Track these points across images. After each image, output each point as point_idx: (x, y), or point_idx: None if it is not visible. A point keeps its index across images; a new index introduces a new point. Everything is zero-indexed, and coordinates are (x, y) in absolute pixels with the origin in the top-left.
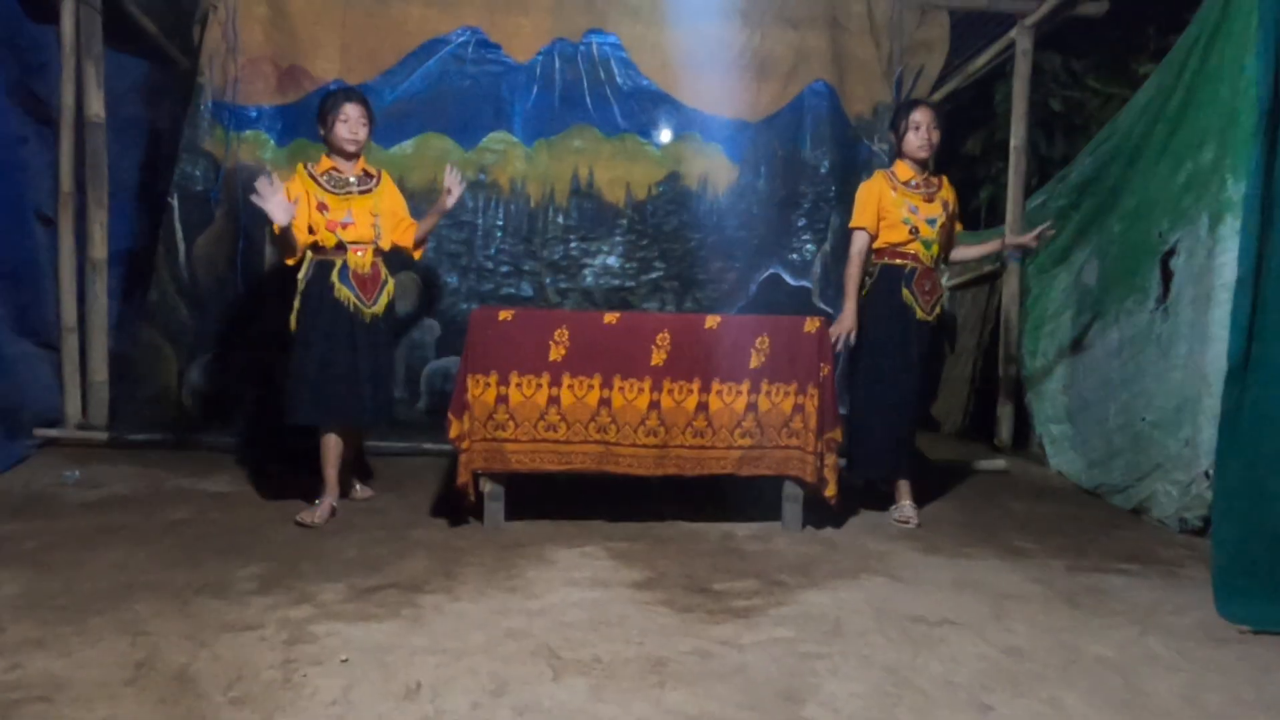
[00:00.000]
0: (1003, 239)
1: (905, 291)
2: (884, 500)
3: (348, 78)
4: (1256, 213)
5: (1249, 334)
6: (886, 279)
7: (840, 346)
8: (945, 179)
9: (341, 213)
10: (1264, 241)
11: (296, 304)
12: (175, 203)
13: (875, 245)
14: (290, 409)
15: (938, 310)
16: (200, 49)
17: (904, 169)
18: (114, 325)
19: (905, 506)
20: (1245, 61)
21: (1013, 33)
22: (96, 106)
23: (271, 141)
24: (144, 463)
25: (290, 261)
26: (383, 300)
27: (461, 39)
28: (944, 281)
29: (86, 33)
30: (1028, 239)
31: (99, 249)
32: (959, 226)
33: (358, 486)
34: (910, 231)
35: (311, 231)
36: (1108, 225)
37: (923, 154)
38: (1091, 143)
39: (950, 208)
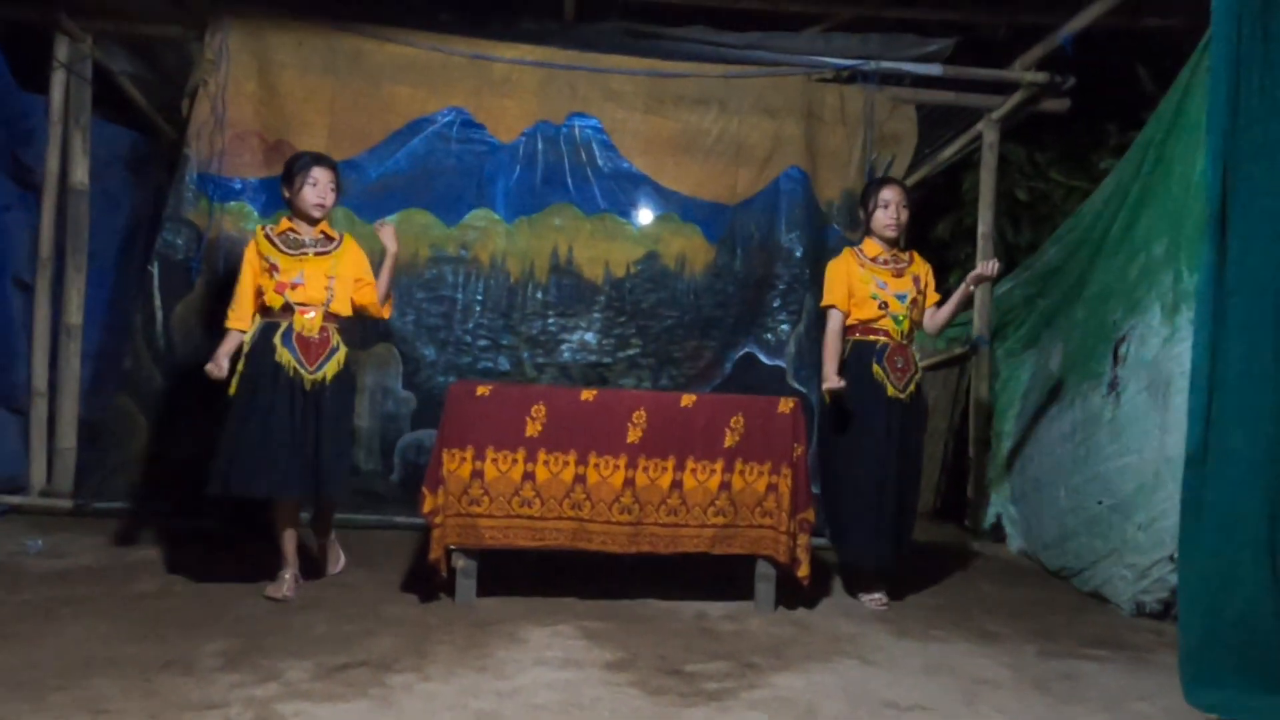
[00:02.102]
0: (967, 283)
1: (876, 368)
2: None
3: (334, 153)
4: (1209, 306)
5: (1206, 422)
6: (858, 356)
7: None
8: (916, 254)
9: (293, 273)
10: (1217, 334)
11: (240, 367)
12: (155, 270)
13: (847, 322)
14: (212, 477)
15: (912, 388)
16: (189, 121)
17: (871, 245)
18: (87, 391)
19: (878, 593)
20: (1195, 162)
21: (980, 125)
22: (81, 174)
23: (255, 213)
24: (109, 533)
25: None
26: (329, 368)
27: (447, 119)
28: (919, 360)
29: (75, 103)
30: (985, 269)
31: (74, 315)
32: (935, 298)
33: (328, 566)
34: (880, 307)
35: (262, 294)
36: (1072, 312)
37: (890, 232)
38: (1056, 233)
39: (922, 282)
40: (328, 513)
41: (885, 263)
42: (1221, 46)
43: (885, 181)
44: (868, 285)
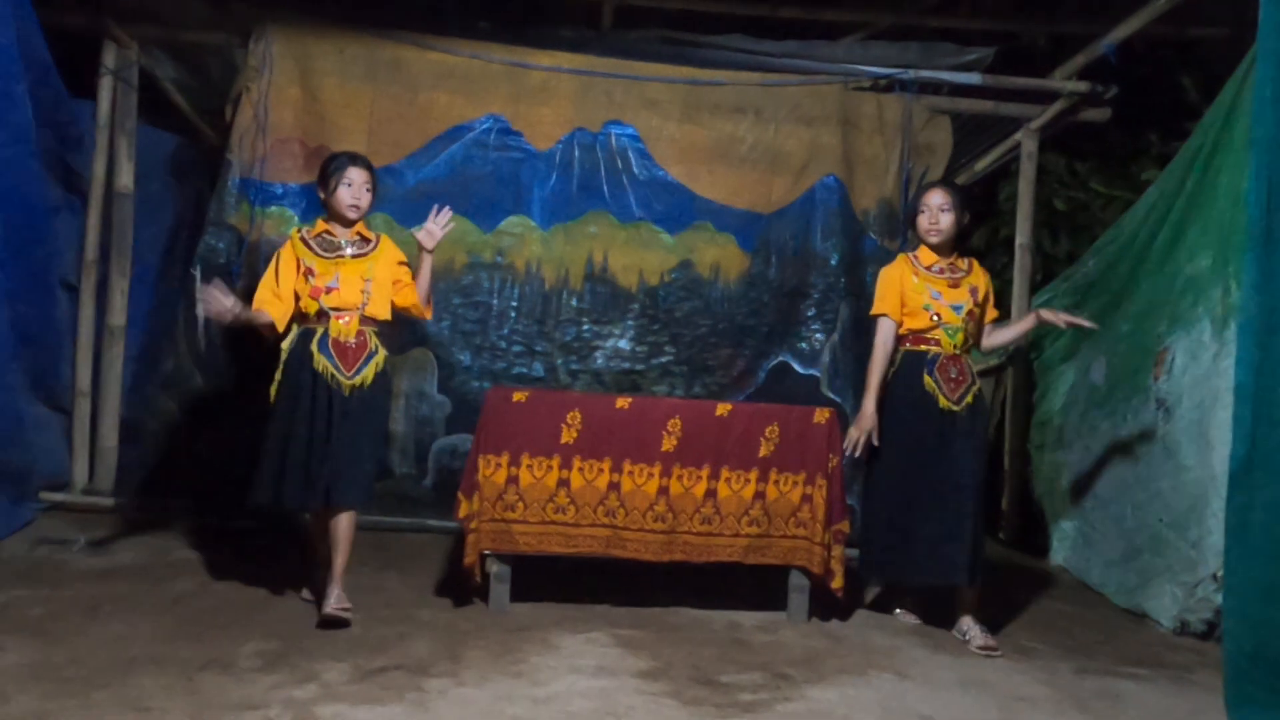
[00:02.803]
0: (1037, 313)
1: (927, 379)
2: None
3: (374, 159)
4: (1254, 322)
5: (1251, 439)
6: (908, 367)
7: (860, 450)
8: (976, 263)
9: (328, 277)
10: (1262, 350)
11: (278, 375)
12: (198, 274)
13: (899, 332)
14: (255, 489)
15: (969, 399)
16: (232, 127)
17: (926, 253)
18: (128, 392)
19: (965, 622)
20: (1244, 175)
21: (1018, 135)
22: (126, 179)
23: (295, 218)
24: (149, 531)
25: (279, 330)
26: (368, 372)
27: (485, 126)
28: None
29: (122, 109)
30: (1070, 319)
31: (118, 316)
32: (995, 314)
33: (331, 599)
34: (932, 318)
35: (297, 299)
36: (1115, 326)
37: (931, 238)
38: (1095, 244)
39: (980, 294)
40: (337, 515)
41: (941, 271)
42: (1269, 57)
43: (930, 185)
44: (921, 295)
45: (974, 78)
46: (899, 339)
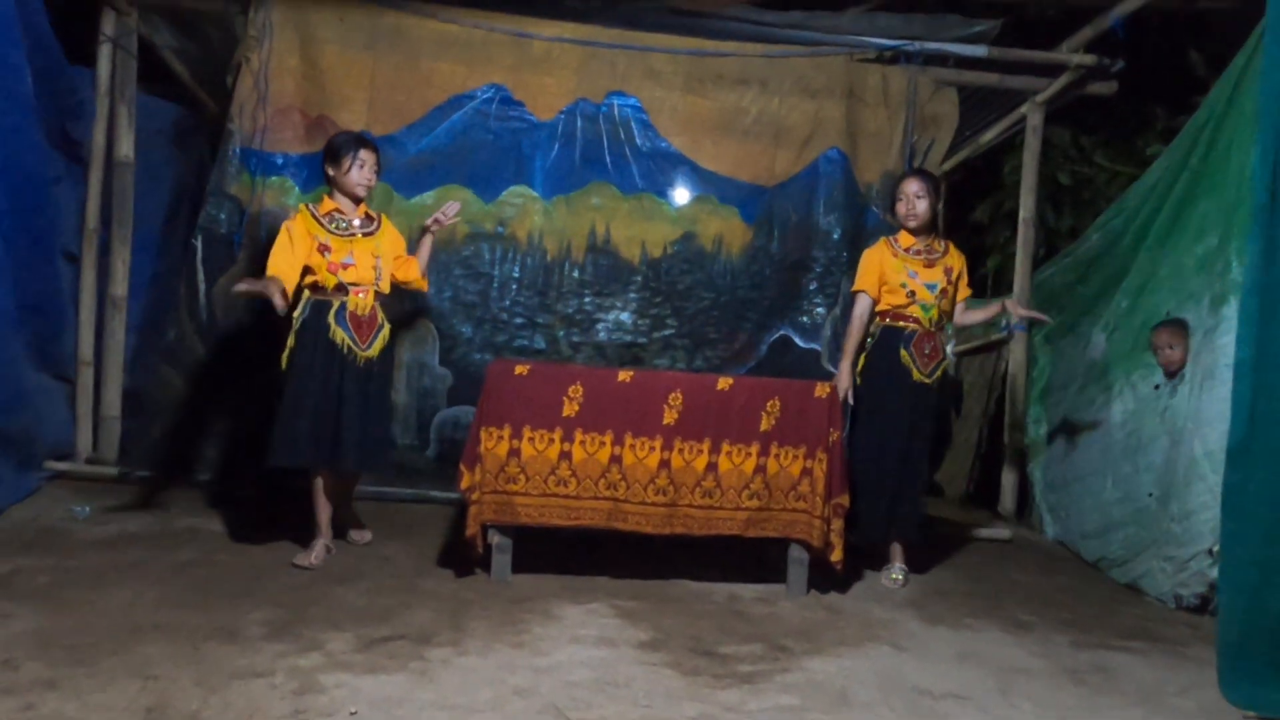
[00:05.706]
0: (1004, 303)
1: (904, 352)
2: (880, 562)
3: (374, 129)
4: (1255, 300)
5: (1250, 417)
6: (886, 340)
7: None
8: (952, 245)
9: (344, 254)
10: (1264, 328)
11: (290, 342)
12: (199, 244)
13: (878, 308)
14: (273, 449)
15: (938, 374)
16: (232, 96)
17: (905, 236)
18: (130, 361)
19: (895, 568)
20: (1251, 151)
21: (1024, 108)
22: (126, 148)
23: (296, 188)
24: (154, 500)
25: (286, 301)
26: (377, 344)
27: (486, 95)
28: (949, 348)
29: (121, 76)
30: (1028, 312)
31: (120, 286)
32: (966, 292)
33: (352, 532)
34: (908, 295)
35: (310, 272)
36: (1116, 302)
37: (910, 223)
38: (1099, 219)
39: (954, 274)
40: (354, 482)
41: (918, 253)
42: (1278, 30)
43: (907, 173)
44: (899, 274)
45: (980, 50)
46: (878, 315)
